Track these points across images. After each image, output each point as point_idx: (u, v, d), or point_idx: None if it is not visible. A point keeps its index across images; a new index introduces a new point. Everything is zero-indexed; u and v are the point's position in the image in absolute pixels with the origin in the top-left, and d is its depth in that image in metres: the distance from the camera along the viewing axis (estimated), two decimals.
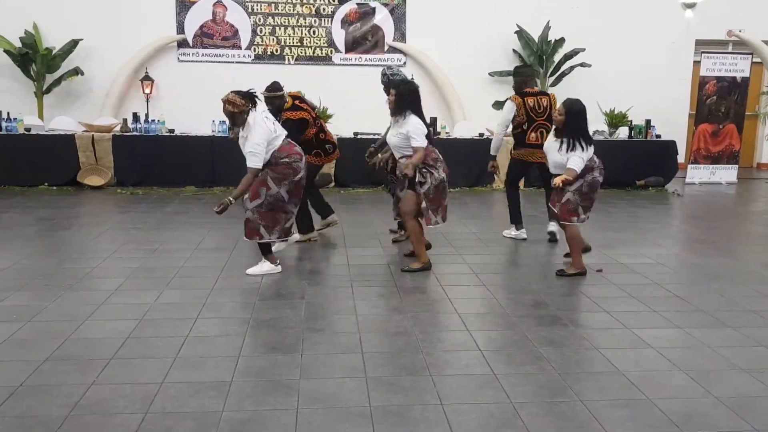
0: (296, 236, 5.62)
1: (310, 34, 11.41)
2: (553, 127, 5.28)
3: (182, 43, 11.20)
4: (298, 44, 11.39)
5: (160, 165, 9.16)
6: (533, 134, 6.22)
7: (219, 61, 11.25)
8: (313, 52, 11.41)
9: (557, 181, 5.03)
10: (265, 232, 4.95)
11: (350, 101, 10.26)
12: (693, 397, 3.11)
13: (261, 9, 11.27)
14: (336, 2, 11.37)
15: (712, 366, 3.47)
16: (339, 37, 11.46)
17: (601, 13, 11.62)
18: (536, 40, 11.39)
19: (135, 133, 9.42)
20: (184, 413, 2.87)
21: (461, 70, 11.37)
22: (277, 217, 4.96)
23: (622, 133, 10.34)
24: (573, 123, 5.04)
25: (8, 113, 9.29)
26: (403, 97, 5.14)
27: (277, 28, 11.34)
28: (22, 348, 3.56)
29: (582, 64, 11.21)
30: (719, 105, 10.63)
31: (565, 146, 5.05)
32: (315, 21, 11.38)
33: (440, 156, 5.21)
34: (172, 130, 9.56)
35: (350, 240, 6.27)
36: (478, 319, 4.16)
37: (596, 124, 10.25)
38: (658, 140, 10.28)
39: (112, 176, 9.17)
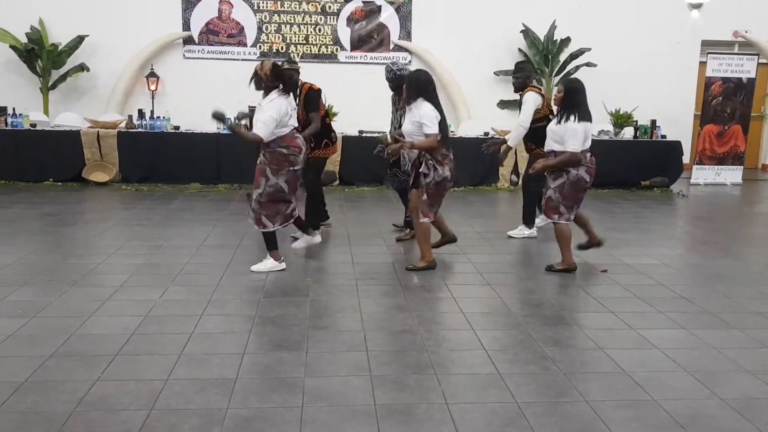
0: (318, 237, 5.58)
1: (315, 31, 11.40)
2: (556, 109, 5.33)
3: (188, 40, 11.20)
4: (304, 42, 11.39)
5: (165, 161, 9.18)
6: None
7: (224, 59, 11.26)
8: (319, 50, 11.41)
9: (537, 166, 5.21)
10: (267, 221, 4.99)
11: (355, 99, 10.25)
12: (698, 398, 3.10)
13: (267, 6, 11.27)
14: (342, 0, 11.36)
15: (718, 367, 3.46)
16: (344, 35, 11.46)
17: (607, 13, 11.59)
18: (542, 40, 11.37)
19: (140, 129, 9.44)
20: (189, 410, 2.87)
21: (466, 69, 11.35)
22: (278, 206, 5.01)
23: (628, 133, 10.32)
24: (569, 98, 5.09)
25: (14, 109, 9.31)
26: (411, 82, 5.10)
27: (283, 26, 11.34)
28: (27, 344, 3.57)
29: (588, 64, 11.19)
30: (725, 106, 10.59)
31: (559, 117, 5.12)
32: (321, 19, 11.38)
33: (452, 156, 5.13)
34: (177, 127, 9.57)
35: (355, 238, 6.27)
36: (483, 319, 4.16)
37: (601, 124, 10.23)
38: (664, 141, 10.25)
39: (117, 172, 9.18)
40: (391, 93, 6.24)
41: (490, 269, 5.28)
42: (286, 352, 3.54)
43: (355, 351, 3.57)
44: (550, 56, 11.33)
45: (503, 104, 11.09)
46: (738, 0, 11.79)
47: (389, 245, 6.04)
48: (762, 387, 3.23)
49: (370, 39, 11.53)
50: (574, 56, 11.30)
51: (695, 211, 8.68)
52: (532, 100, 6.21)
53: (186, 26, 11.18)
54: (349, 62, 11.45)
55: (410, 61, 11.36)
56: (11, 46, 10.42)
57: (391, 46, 11.54)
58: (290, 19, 11.33)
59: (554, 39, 11.34)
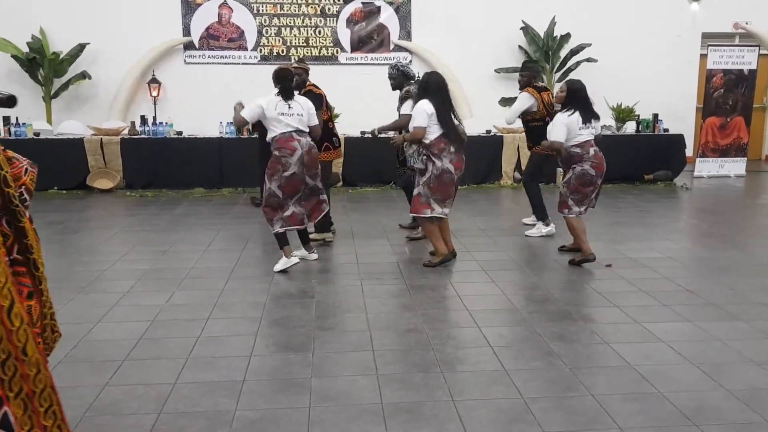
0: (314, 255, 5.50)
1: (315, 34, 11.43)
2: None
3: (188, 46, 11.24)
4: (304, 44, 11.41)
5: (168, 167, 9.21)
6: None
7: (225, 63, 11.29)
8: (319, 52, 11.44)
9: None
10: (269, 223, 5.11)
11: (356, 100, 10.27)
12: (704, 390, 3.11)
13: (266, 10, 11.30)
14: (341, 2, 11.39)
15: (723, 359, 3.47)
16: (344, 36, 11.48)
17: (606, 8, 11.58)
18: (542, 36, 11.37)
19: (143, 135, 9.47)
20: (197, 413, 2.89)
21: (467, 68, 11.36)
22: (275, 211, 5.06)
23: (630, 127, 10.31)
24: (571, 97, 5.29)
25: (17, 118, 9.36)
26: (420, 83, 5.37)
27: (283, 29, 11.36)
28: None
29: (588, 59, 11.19)
30: (726, 98, 10.57)
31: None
32: (320, 21, 11.40)
33: (452, 149, 5.12)
34: (180, 132, 9.60)
35: (359, 238, 6.29)
36: (488, 316, 4.17)
37: (603, 119, 10.19)
38: (666, 134, 10.24)
39: (121, 179, 9.22)
40: (400, 92, 6.24)
41: (494, 266, 5.29)
42: (293, 353, 3.55)
43: (361, 351, 3.58)
44: (550, 53, 11.33)
45: (505, 102, 11.08)
46: None
47: (393, 245, 6.06)
48: (767, 378, 3.24)
49: (370, 40, 11.54)
50: (574, 52, 11.29)
51: (699, 204, 8.67)
52: (523, 99, 6.37)
53: (186, 32, 11.21)
54: (349, 63, 11.47)
55: (410, 61, 11.38)
56: (13, 56, 10.47)
57: (392, 47, 11.55)
58: (290, 22, 11.36)
59: (554, 35, 11.34)
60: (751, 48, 10.68)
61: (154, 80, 10.95)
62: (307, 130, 5.13)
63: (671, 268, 5.23)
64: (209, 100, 10.45)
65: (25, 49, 10.56)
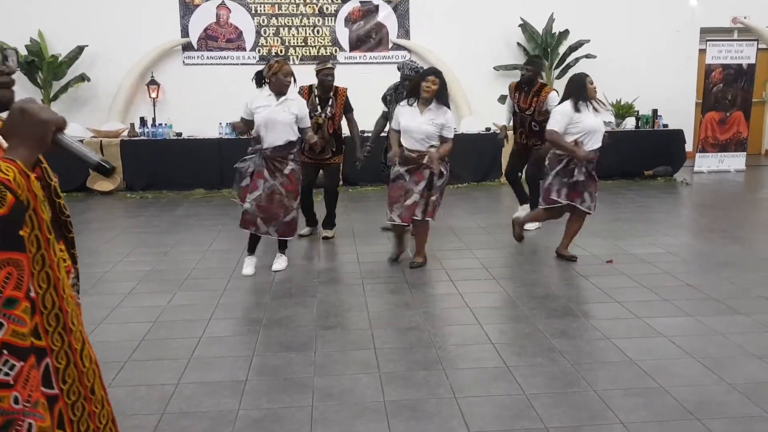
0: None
1: (314, 33, 11.42)
2: None
3: (187, 47, 11.24)
4: (303, 44, 11.41)
5: (168, 168, 9.21)
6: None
7: (224, 64, 11.28)
8: (318, 52, 11.43)
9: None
10: (262, 224, 4.98)
11: (356, 99, 10.25)
12: (706, 384, 3.11)
13: (264, 10, 11.30)
14: (339, 1, 11.38)
15: (724, 353, 3.47)
16: (343, 35, 11.47)
17: (605, 4, 11.57)
18: (540, 33, 11.36)
19: (143, 137, 9.48)
20: (201, 413, 2.90)
21: (466, 66, 11.35)
22: (276, 211, 4.95)
23: (629, 123, 10.30)
24: (566, 89, 5.39)
25: None
26: (445, 86, 5.12)
27: (281, 29, 11.36)
28: None
29: (587, 56, 11.17)
30: (726, 93, 10.57)
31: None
32: (318, 20, 11.40)
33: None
34: (179, 134, 9.60)
35: (360, 237, 6.29)
36: (489, 313, 4.17)
37: (602, 115, 10.20)
38: (666, 130, 10.23)
39: (122, 181, 9.22)
40: (395, 92, 6.24)
41: (495, 264, 5.30)
42: (295, 352, 3.56)
43: (363, 349, 3.59)
44: (549, 49, 11.31)
45: (504, 99, 11.07)
46: None
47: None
48: None
49: (368, 39, 11.54)
50: (573, 48, 11.28)
51: (699, 199, 8.67)
52: (555, 99, 6.28)
53: (184, 33, 11.21)
54: (348, 63, 11.46)
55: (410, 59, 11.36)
56: None
57: (390, 45, 11.55)
58: (288, 22, 11.35)
59: (553, 32, 11.33)
60: (750, 42, 10.67)
61: (153, 82, 10.95)
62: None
63: (672, 263, 5.24)
64: (208, 101, 10.45)
65: (24, 52, 10.56)
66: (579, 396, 3.01)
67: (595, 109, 5.29)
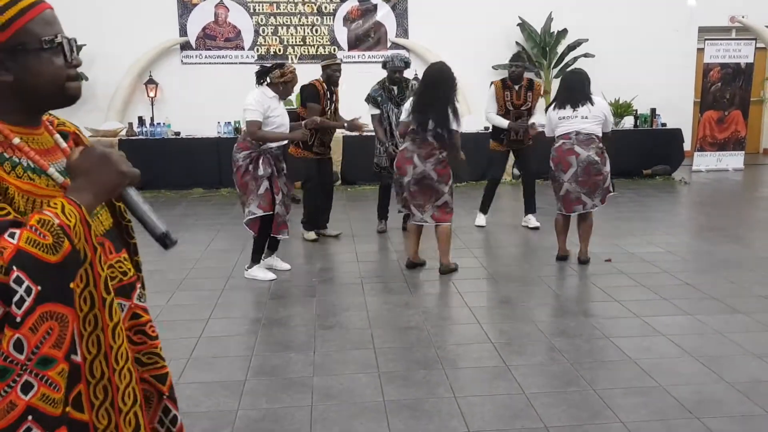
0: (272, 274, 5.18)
1: (312, 32, 11.42)
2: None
3: (185, 46, 11.22)
4: (301, 43, 11.40)
5: (166, 168, 9.19)
6: None
7: (222, 63, 11.27)
8: (316, 51, 11.42)
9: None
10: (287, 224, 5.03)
11: (354, 98, 10.25)
12: (705, 382, 3.11)
13: (263, 9, 11.28)
14: (338, 0, 11.38)
15: (724, 352, 3.47)
16: (341, 34, 11.46)
17: (603, 3, 11.57)
18: (539, 32, 11.36)
19: (141, 137, 9.47)
20: (200, 413, 2.90)
21: (465, 65, 11.29)
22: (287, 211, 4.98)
23: (628, 122, 10.31)
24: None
25: None
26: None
27: (280, 28, 11.35)
28: None
29: (585, 55, 11.18)
30: (724, 92, 10.57)
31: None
32: (317, 19, 11.39)
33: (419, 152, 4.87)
34: (177, 133, 9.59)
35: (359, 237, 6.29)
36: (488, 312, 4.17)
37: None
38: (664, 129, 10.23)
39: None
40: (389, 88, 6.22)
41: (494, 263, 5.30)
42: (294, 352, 3.56)
43: (362, 349, 3.59)
44: (547, 49, 11.32)
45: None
46: None
47: (393, 243, 6.06)
48: None
49: (367, 38, 11.53)
50: (571, 47, 11.29)
51: (698, 198, 8.68)
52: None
53: (183, 32, 11.20)
54: (347, 62, 11.43)
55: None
56: None
57: (389, 44, 11.54)
58: (287, 21, 11.34)
59: (551, 31, 11.34)
60: (748, 41, 10.68)
61: (151, 81, 10.94)
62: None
63: (671, 262, 5.24)
64: (207, 101, 10.44)
65: None
66: (579, 395, 3.01)
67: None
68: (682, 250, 5.68)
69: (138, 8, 10.94)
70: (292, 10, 11.33)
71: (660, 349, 3.52)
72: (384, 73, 6.36)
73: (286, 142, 4.99)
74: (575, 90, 5.14)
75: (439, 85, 4.79)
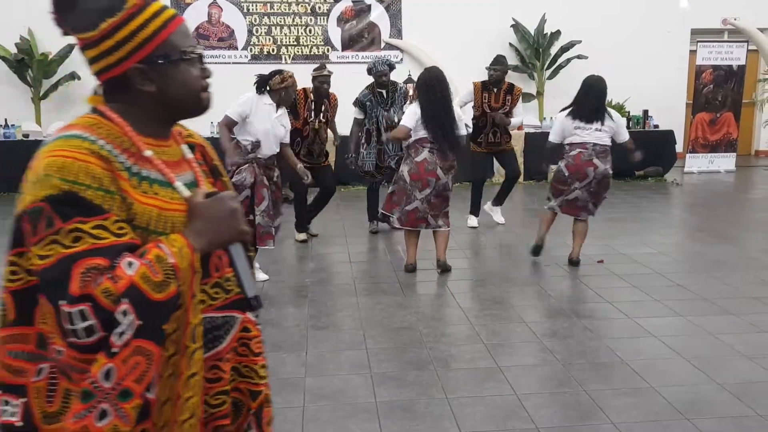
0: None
1: (306, 32, 11.40)
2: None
3: None
4: (295, 43, 11.38)
5: None
6: None
7: (215, 62, 11.24)
8: (310, 51, 11.41)
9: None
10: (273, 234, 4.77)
11: (347, 99, 10.25)
12: (696, 384, 3.12)
13: (256, 9, 11.27)
14: (331, 0, 11.37)
15: (715, 353, 3.49)
16: (335, 35, 11.46)
17: (596, 5, 11.61)
18: (532, 34, 11.38)
19: None
20: None
21: (458, 66, 11.31)
22: (275, 219, 4.76)
23: None
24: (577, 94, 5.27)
25: (6, 120, 9.29)
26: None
27: (273, 28, 11.33)
28: None
29: (578, 57, 11.20)
30: (716, 93, 10.62)
31: None
32: (311, 20, 11.38)
33: (411, 155, 4.90)
34: None
35: (351, 237, 6.29)
36: (481, 313, 4.18)
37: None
38: (656, 130, 10.27)
39: None
40: (378, 92, 6.21)
41: (486, 264, 5.31)
42: (286, 352, 3.55)
43: (354, 349, 3.59)
44: (540, 50, 11.34)
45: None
46: None
47: (386, 243, 6.06)
48: (759, 371, 3.26)
49: (360, 38, 11.52)
50: (564, 49, 11.31)
51: (690, 199, 8.71)
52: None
53: None
54: (340, 62, 11.45)
55: (402, 60, 11.38)
56: (1, 57, 10.40)
57: (382, 45, 11.54)
58: (280, 21, 11.33)
59: (544, 33, 11.36)
60: (740, 44, 10.73)
61: None
62: None
63: (663, 263, 5.26)
64: None
65: (14, 50, 10.49)
66: (570, 396, 3.01)
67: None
68: (674, 252, 5.71)
69: None
70: (285, 10, 11.31)
71: (651, 351, 3.53)
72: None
73: (277, 150, 4.80)
74: (600, 104, 5.16)
75: (442, 89, 4.83)
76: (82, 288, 1.06)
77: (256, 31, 11.32)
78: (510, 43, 11.63)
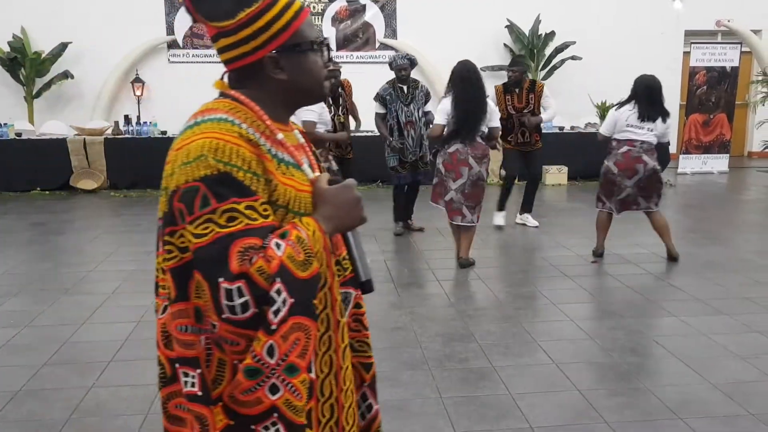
0: None
1: None
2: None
3: (172, 44, 11.17)
4: None
5: (153, 167, 9.02)
6: None
7: (210, 62, 11.21)
8: None
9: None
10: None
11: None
12: (689, 384, 3.13)
13: None
14: (326, 0, 11.37)
15: (708, 353, 3.50)
16: (330, 35, 11.45)
17: (590, 6, 11.64)
18: (527, 34, 11.41)
19: (127, 135, 9.40)
20: None
21: (453, 66, 11.35)
22: None
23: None
24: (631, 92, 5.55)
25: None
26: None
27: None
28: (21, 353, 3.56)
29: (573, 57, 11.24)
30: (709, 95, 10.66)
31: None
32: None
33: (449, 149, 5.08)
34: (164, 132, 9.54)
35: None
36: (475, 313, 4.18)
37: (588, 116, 10.27)
38: None
39: (105, 179, 9.14)
40: (399, 87, 6.23)
41: (480, 264, 5.31)
42: None
43: None
44: (535, 51, 11.37)
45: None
46: None
47: (381, 244, 6.05)
48: (752, 371, 3.27)
49: (355, 38, 11.53)
50: (559, 50, 11.34)
51: (683, 200, 8.74)
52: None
53: (170, 30, 11.14)
54: (335, 62, 11.45)
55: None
56: None
57: (377, 45, 11.55)
58: None
59: (539, 33, 11.38)
60: (734, 45, 10.77)
61: (137, 79, 10.88)
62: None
63: (656, 263, 5.28)
64: (194, 99, 10.15)
65: (6, 49, 10.45)
66: (564, 396, 3.02)
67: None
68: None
69: (125, 6, 10.87)
70: None
71: (645, 351, 3.54)
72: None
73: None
74: (657, 105, 5.36)
75: (478, 79, 5.10)
76: (240, 266, 1.11)
77: None
78: (504, 44, 11.65)
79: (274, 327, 1.14)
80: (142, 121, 9.91)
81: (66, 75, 10.66)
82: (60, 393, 3.07)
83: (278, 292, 1.13)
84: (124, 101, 11.01)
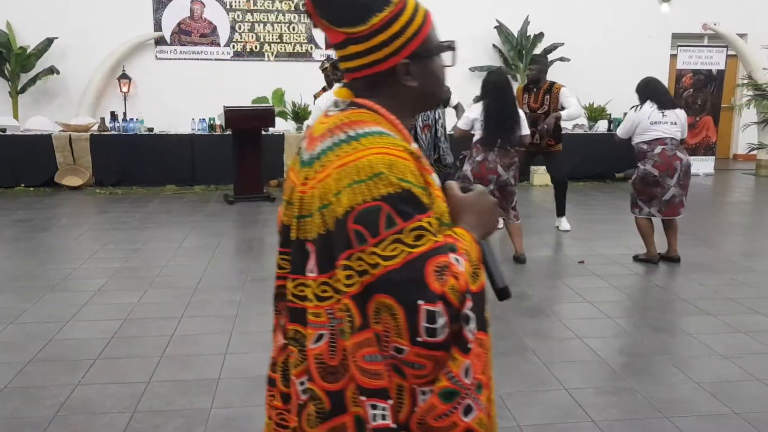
0: None
1: (289, 30, 11.36)
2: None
3: (160, 41, 11.10)
4: (278, 41, 11.34)
5: (139, 164, 9.08)
6: None
7: (197, 59, 11.17)
8: (293, 49, 11.38)
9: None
10: None
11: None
12: (674, 383, 3.16)
13: (239, 5, 11.21)
14: None
15: (692, 352, 3.54)
16: (319, 33, 11.42)
17: (579, 8, 11.71)
18: (516, 35, 11.45)
19: (113, 132, 9.34)
20: (173, 411, 2.87)
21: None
22: None
23: (602, 126, 10.44)
24: (639, 93, 5.42)
25: None
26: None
27: (256, 25, 11.28)
28: (6, 350, 3.53)
29: (561, 59, 11.30)
30: (696, 97, 10.76)
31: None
32: (294, 17, 11.34)
33: (474, 155, 5.21)
34: (151, 129, 9.48)
35: None
36: None
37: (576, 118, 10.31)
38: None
39: (91, 176, 9.07)
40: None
41: None
42: (269, 351, 3.53)
43: None
44: (524, 52, 11.41)
45: (478, 100, 11.13)
46: None
47: None
48: (735, 370, 3.31)
49: None
50: (547, 51, 11.38)
51: None
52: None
53: (157, 27, 11.07)
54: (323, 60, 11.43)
55: None
56: None
57: None
58: (263, 18, 11.28)
59: (528, 35, 11.43)
60: (720, 49, 10.88)
61: (124, 76, 10.80)
62: None
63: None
64: (181, 97, 10.33)
65: None
66: (551, 394, 3.04)
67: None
68: None
69: (113, 2, 10.79)
70: (269, 6, 11.26)
71: (631, 350, 3.57)
72: None
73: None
74: (665, 94, 5.33)
75: (510, 90, 5.23)
76: (441, 286, 1.07)
77: (239, 28, 11.25)
78: (494, 45, 11.69)
79: (470, 346, 1.10)
80: (128, 118, 9.84)
81: (52, 70, 10.56)
82: (46, 390, 3.04)
83: (472, 309, 1.10)
84: (111, 98, 10.93)
